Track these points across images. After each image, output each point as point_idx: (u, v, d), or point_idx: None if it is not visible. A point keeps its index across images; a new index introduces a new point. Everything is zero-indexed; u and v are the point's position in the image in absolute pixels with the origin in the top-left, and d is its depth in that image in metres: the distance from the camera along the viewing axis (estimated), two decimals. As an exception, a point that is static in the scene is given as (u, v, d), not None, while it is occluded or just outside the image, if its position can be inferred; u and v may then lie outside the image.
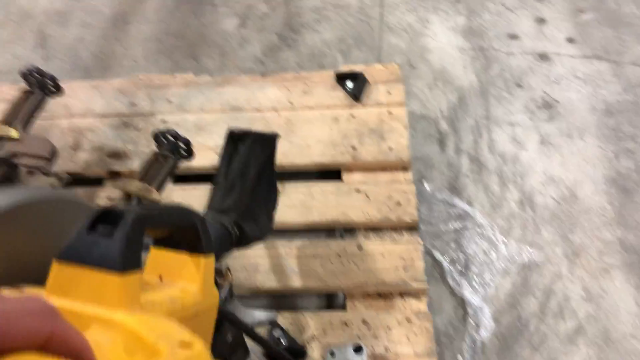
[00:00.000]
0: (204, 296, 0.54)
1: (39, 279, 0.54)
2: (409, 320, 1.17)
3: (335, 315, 1.19)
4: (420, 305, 1.20)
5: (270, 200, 0.94)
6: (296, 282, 1.23)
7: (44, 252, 0.55)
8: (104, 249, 0.41)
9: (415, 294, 1.22)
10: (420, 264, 1.24)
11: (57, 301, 0.41)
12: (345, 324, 1.17)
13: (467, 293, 1.36)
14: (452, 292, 1.37)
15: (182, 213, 0.52)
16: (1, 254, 0.53)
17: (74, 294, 0.41)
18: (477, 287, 1.38)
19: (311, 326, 1.17)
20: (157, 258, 0.55)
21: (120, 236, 0.42)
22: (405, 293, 1.22)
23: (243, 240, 0.93)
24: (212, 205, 0.92)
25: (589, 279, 1.38)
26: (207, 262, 0.55)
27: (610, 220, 1.47)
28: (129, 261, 0.42)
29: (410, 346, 1.13)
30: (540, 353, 1.29)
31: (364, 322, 1.17)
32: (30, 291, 0.44)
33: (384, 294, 1.22)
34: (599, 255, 1.42)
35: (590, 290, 1.37)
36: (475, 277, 1.40)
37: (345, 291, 1.23)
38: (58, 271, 0.42)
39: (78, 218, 0.60)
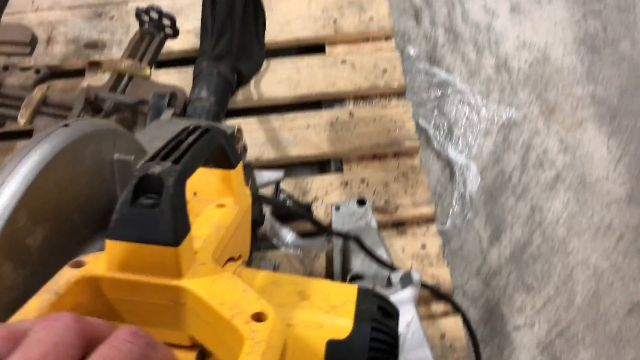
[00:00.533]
0: (240, 204, 0.55)
1: (90, 221, 0.55)
2: (404, 175, 1.23)
3: (334, 177, 1.24)
4: (414, 161, 1.26)
5: (258, 24, 0.93)
6: (293, 151, 1.27)
7: (91, 190, 0.56)
8: (152, 224, 0.40)
9: (408, 153, 1.27)
10: (410, 125, 1.29)
11: (122, 275, 0.41)
12: (345, 184, 1.22)
13: (453, 154, 1.43)
14: (439, 156, 1.44)
15: (210, 142, 0.49)
16: (57, 200, 0.52)
17: (134, 269, 0.41)
18: (461, 148, 1.45)
19: (313, 188, 1.22)
20: None
21: (167, 207, 0.39)
22: (398, 153, 1.27)
23: (242, 81, 0.94)
24: (205, 53, 0.90)
25: (564, 132, 1.47)
26: (236, 173, 0.55)
27: (581, 78, 1.54)
28: (180, 230, 0.40)
29: (409, 197, 1.20)
30: (524, 201, 1.39)
31: (363, 180, 1.23)
32: (91, 263, 0.42)
33: (379, 155, 1.27)
34: (572, 110, 1.50)
35: (566, 142, 1.45)
36: (459, 139, 1.46)
37: (341, 156, 1.28)
38: (112, 248, 0.40)
39: (118, 146, 0.59)
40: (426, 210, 1.19)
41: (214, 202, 0.54)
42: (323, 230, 1.09)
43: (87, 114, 1.11)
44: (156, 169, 0.40)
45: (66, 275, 0.39)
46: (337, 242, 1.11)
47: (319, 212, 1.19)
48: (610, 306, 1.27)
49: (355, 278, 1.03)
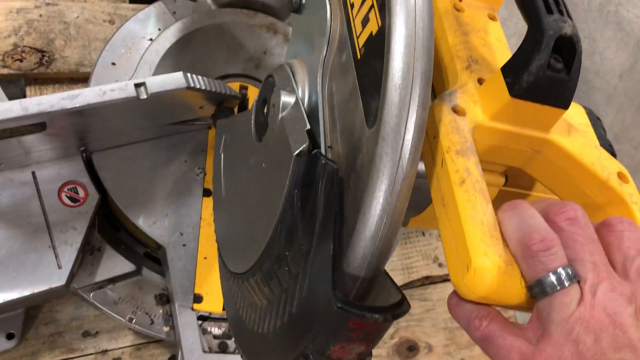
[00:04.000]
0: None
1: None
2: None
3: None
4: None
5: None
6: None
7: None
8: (560, 90, 0.43)
9: None
10: None
11: (503, 126, 0.45)
12: None
13: None
14: None
15: None
16: None
17: (515, 122, 0.45)
18: None
19: None
20: None
21: (576, 75, 0.42)
22: None
23: None
24: None
25: None
26: None
27: None
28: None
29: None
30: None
31: None
32: (469, 110, 0.46)
33: None
34: None
35: None
36: None
37: None
38: (512, 103, 0.44)
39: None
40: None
41: (482, 9, 0.56)
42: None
43: None
44: (567, 29, 0.42)
45: (461, 125, 0.44)
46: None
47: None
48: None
49: None
